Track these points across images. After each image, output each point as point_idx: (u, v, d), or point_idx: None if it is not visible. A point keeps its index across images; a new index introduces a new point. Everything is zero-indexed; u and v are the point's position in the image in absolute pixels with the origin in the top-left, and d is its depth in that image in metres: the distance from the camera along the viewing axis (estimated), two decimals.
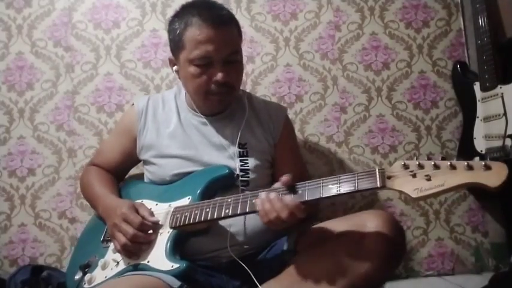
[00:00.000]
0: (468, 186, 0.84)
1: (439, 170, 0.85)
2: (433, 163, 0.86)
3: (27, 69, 1.67)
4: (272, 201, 0.97)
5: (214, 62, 1.17)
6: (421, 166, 0.87)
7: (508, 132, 1.38)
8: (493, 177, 0.80)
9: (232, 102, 1.29)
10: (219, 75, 1.16)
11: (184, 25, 1.17)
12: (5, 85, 1.67)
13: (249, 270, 1.05)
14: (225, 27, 1.17)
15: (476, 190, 1.60)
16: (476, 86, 1.54)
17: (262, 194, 1.00)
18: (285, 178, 1.01)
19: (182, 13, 1.21)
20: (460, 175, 0.83)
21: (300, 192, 0.99)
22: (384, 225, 0.99)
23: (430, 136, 1.69)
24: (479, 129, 1.53)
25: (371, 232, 0.99)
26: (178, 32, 1.19)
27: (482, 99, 1.52)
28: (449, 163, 0.84)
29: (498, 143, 1.39)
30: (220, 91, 1.19)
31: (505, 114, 1.41)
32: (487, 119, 1.50)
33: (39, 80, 1.67)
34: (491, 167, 0.81)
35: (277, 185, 1.03)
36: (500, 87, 1.44)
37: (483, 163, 0.82)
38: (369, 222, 1.01)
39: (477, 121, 1.54)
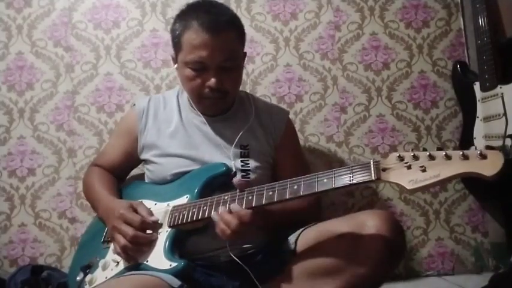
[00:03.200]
0: (464, 176, 0.82)
1: (434, 161, 0.84)
2: (428, 154, 0.85)
3: (27, 69, 1.67)
4: (222, 215, 1.02)
5: (208, 67, 1.17)
6: (416, 157, 0.86)
7: (508, 132, 1.38)
8: (488, 166, 0.79)
9: (228, 105, 1.29)
10: (212, 81, 1.17)
11: (183, 27, 1.18)
12: (5, 85, 1.67)
13: (248, 270, 1.05)
14: (222, 33, 1.15)
15: (475, 189, 1.60)
16: (476, 86, 1.54)
17: (215, 215, 1.04)
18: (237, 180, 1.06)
19: (184, 14, 1.21)
20: (456, 165, 0.82)
21: (250, 197, 1.02)
22: (383, 225, 0.99)
23: (430, 136, 1.69)
24: (479, 129, 1.53)
25: (371, 232, 0.99)
26: (177, 33, 1.20)
27: (482, 99, 1.52)
28: (444, 153, 0.83)
29: (498, 143, 1.39)
30: (213, 96, 1.20)
31: (505, 114, 1.41)
32: (487, 119, 1.50)
33: (39, 80, 1.67)
34: (487, 155, 0.80)
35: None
36: (500, 87, 1.44)
37: (478, 152, 0.80)
38: (368, 222, 1.01)
39: (477, 121, 1.54)
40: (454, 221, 1.65)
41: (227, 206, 1.04)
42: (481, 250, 1.61)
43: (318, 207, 1.39)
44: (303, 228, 1.15)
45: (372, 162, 0.90)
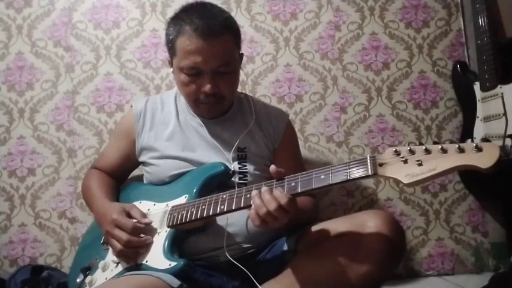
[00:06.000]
0: (461, 169, 0.82)
1: (430, 155, 0.84)
2: (424, 148, 0.85)
3: (27, 69, 1.67)
4: (263, 194, 0.96)
5: (203, 73, 1.16)
6: (412, 152, 0.86)
7: (508, 132, 1.38)
8: (484, 158, 0.78)
9: (225, 109, 1.28)
10: (207, 87, 1.16)
11: (177, 32, 1.16)
12: (5, 85, 1.67)
13: (246, 271, 1.05)
14: (216, 38, 1.13)
15: (475, 188, 1.60)
16: (476, 86, 1.54)
17: (254, 191, 0.99)
18: (273, 168, 1.00)
19: (177, 18, 1.19)
20: (452, 158, 0.82)
21: (292, 184, 0.98)
22: (383, 225, 0.99)
23: (430, 136, 1.69)
24: (479, 129, 1.53)
25: (371, 232, 0.99)
26: (171, 38, 1.19)
27: (482, 99, 1.52)
28: (440, 147, 0.83)
29: (498, 143, 1.39)
30: (209, 101, 1.20)
31: (505, 114, 1.41)
32: (487, 119, 1.50)
33: (39, 80, 1.67)
34: (483, 148, 0.80)
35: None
36: (500, 87, 1.44)
37: (474, 145, 0.80)
38: (368, 222, 1.01)
39: (477, 121, 1.54)
40: (454, 221, 1.65)
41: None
42: (481, 250, 1.61)
43: (317, 211, 1.39)
44: (303, 228, 1.15)
45: (368, 158, 0.90)
